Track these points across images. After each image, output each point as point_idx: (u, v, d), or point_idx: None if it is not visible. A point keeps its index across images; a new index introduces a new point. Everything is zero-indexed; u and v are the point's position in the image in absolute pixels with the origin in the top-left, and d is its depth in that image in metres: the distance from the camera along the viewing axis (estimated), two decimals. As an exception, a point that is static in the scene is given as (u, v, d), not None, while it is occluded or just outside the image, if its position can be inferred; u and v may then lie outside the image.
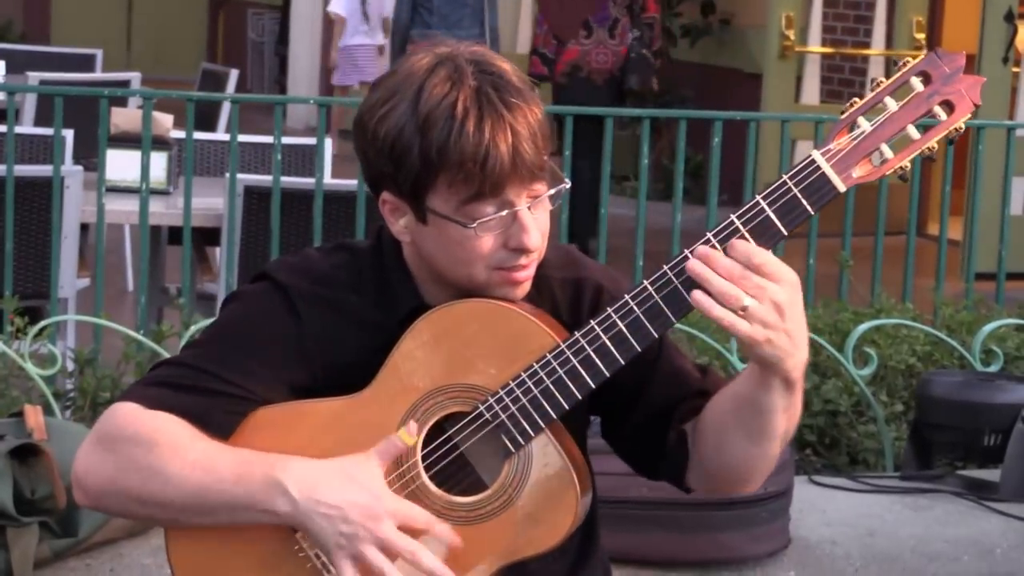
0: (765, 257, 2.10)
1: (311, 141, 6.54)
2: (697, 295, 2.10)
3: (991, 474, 4.23)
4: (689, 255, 2.13)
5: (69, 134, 6.38)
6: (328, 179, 5.65)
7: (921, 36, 10.42)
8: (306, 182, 5.69)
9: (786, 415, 2.20)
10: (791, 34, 10.25)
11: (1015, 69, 9.37)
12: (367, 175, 2.27)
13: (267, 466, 2.18)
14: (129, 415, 2.23)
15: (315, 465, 2.18)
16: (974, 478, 4.22)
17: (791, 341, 2.11)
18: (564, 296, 2.33)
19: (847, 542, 3.85)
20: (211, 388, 2.23)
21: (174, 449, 2.19)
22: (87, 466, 2.23)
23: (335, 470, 2.18)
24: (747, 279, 2.09)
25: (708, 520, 3.68)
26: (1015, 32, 9.16)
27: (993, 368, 4.75)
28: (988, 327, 4.89)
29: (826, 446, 4.70)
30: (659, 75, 9.91)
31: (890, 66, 10.31)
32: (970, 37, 9.54)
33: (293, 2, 15.21)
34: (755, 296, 2.09)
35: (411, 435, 2.20)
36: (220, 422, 2.23)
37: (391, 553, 2.16)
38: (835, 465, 4.63)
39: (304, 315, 2.27)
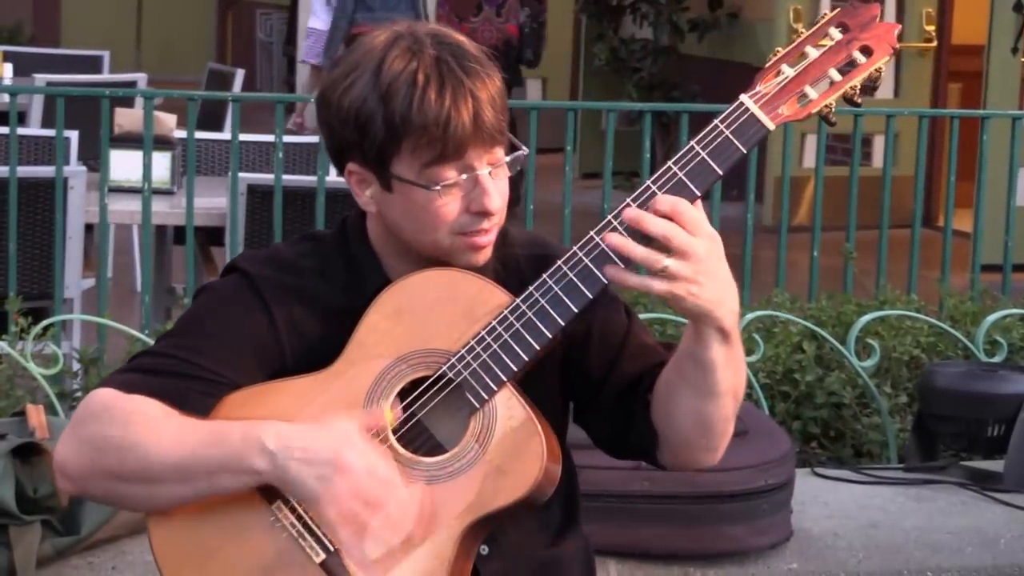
0: (684, 212, 2.17)
1: (314, 139, 6.55)
2: (610, 271, 2.20)
3: (995, 465, 4.22)
4: (628, 205, 2.21)
5: (74, 135, 6.40)
6: (332, 177, 5.66)
7: (931, 28, 10.41)
8: (308, 180, 5.71)
9: (730, 369, 2.26)
10: (799, 27, 10.23)
11: (1024, 59, 9.36)
12: (331, 148, 2.35)
13: (244, 426, 2.22)
14: (102, 400, 2.27)
15: (292, 424, 2.23)
16: (978, 469, 4.22)
17: (715, 289, 2.17)
18: (531, 271, 2.37)
19: (849, 534, 3.84)
20: (185, 373, 2.29)
21: (148, 424, 2.23)
22: (66, 453, 2.27)
23: (312, 424, 2.22)
24: (663, 240, 2.16)
25: (710, 513, 3.68)
26: (1024, 22, 9.16)
27: (997, 359, 4.74)
28: (992, 317, 4.88)
29: (831, 439, 4.69)
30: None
31: (900, 58, 10.30)
32: (979, 28, 9.54)
33: (301, 2, 15.24)
34: (675, 253, 2.15)
35: (393, 413, 2.26)
36: (195, 404, 2.28)
37: (366, 498, 2.19)
38: (840, 458, 4.62)
39: (271, 302, 2.33)
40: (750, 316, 4.76)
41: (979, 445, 4.32)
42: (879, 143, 9.26)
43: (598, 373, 2.39)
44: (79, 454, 2.25)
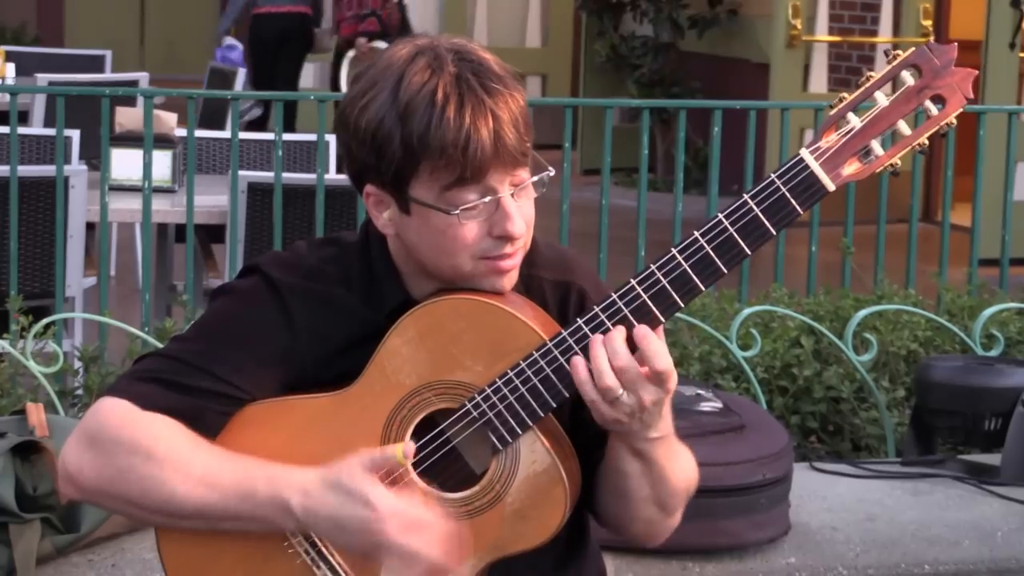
0: (664, 365, 2.13)
1: (312, 138, 6.56)
2: (578, 366, 2.14)
3: (992, 458, 4.23)
4: (673, 252, 2.17)
5: (75, 134, 6.42)
6: (332, 174, 5.68)
7: (928, 23, 10.42)
8: (308, 178, 5.72)
9: (647, 481, 2.23)
10: (798, 23, 10.25)
11: (1022, 55, 9.36)
12: (350, 169, 2.26)
13: (269, 482, 2.17)
14: (122, 416, 2.21)
15: (313, 481, 2.17)
16: (975, 462, 4.22)
17: (642, 426, 2.16)
18: (554, 298, 2.32)
19: (847, 527, 3.85)
20: (200, 386, 2.23)
21: (175, 461, 2.18)
22: (79, 464, 2.21)
23: (330, 485, 2.16)
24: (629, 373, 2.13)
25: (708, 507, 3.68)
26: (1022, 18, 9.15)
27: (994, 353, 4.75)
28: (988, 311, 4.89)
29: (828, 433, 4.71)
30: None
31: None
32: (977, 23, 9.55)
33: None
34: (627, 388, 2.13)
35: (406, 456, 2.19)
36: (209, 422, 2.23)
37: (412, 550, 2.15)
38: (838, 452, 4.63)
39: (294, 310, 2.27)
40: (748, 311, 4.77)
41: (976, 439, 4.33)
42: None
43: (587, 415, 2.27)
44: (96, 471, 2.20)
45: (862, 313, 4.77)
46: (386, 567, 2.18)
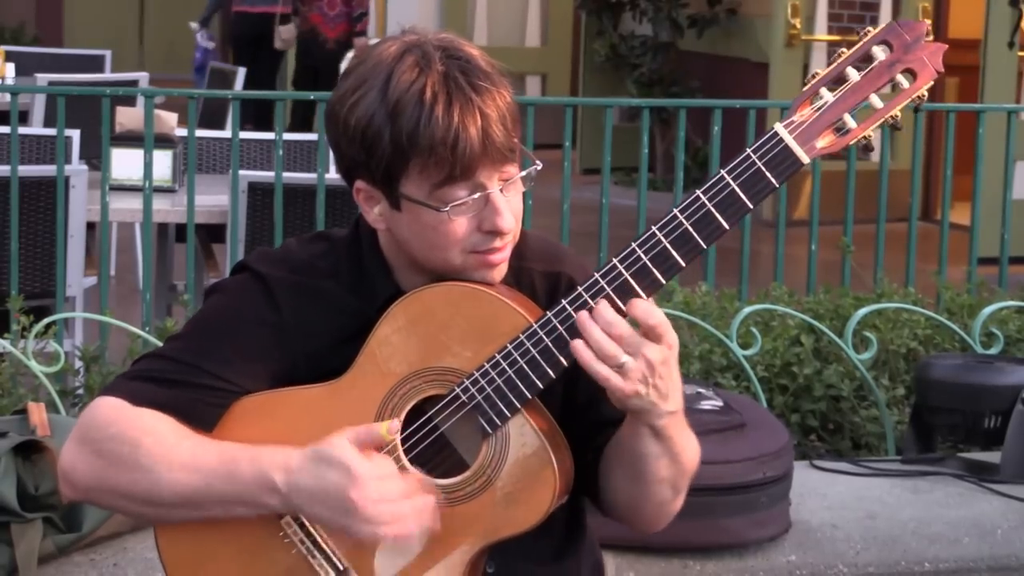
0: (657, 318, 2.15)
1: (314, 137, 6.57)
2: (579, 348, 2.15)
3: (992, 456, 4.23)
4: (656, 231, 2.19)
5: (75, 134, 6.43)
6: (332, 174, 5.68)
7: (927, 22, 10.42)
8: (308, 177, 5.74)
9: (665, 462, 2.23)
10: (797, 23, 10.26)
11: (1021, 53, 9.37)
12: (340, 165, 2.29)
13: (253, 461, 2.19)
14: (113, 411, 2.24)
15: (295, 456, 2.18)
16: (975, 460, 4.23)
17: (659, 395, 2.16)
18: (543, 288, 2.35)
19: (848, 525, 3.86)
20: (193, 381, 2.26)
21: (161, 448, 2.20)
22: (73, 462, 2.25)
23: (312, 457, 2.17)
24: (629, 338, 2.14)
25: (709, 505, 3.69)
26: (1021, 17, 9.16)
27: (994, 351, 4.75)
28: (988, 309, 4.89)
29: (829, 431, 4.71)
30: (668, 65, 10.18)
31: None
32: (976, 22, 9.56)
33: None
34: (631, 354, 2.14)
35: (391, 432, 2.20)
36: (203, 415, 2.25)
37: (383, 520, 2.15)
38: (838, 450, 4.64)
39: (283, 304, 2.30)
40: (748, 310, 4.78)
41: (976, 436, 4.33)
42: (876, 137, 9.28)
43: (579, 401, 2.32)
44: (87, 466, 2.23)
45: (862, 312, 4.78)
46: (380, 553, 2.21)
